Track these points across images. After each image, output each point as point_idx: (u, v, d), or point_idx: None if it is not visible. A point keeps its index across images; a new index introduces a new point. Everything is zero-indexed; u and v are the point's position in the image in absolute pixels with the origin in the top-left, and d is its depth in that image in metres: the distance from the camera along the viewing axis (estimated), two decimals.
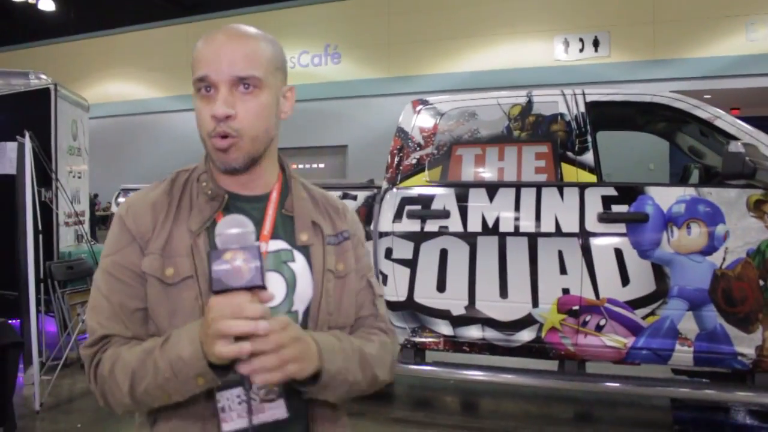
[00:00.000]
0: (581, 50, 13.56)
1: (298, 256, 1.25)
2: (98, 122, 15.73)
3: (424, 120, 4.36)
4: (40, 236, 5.41)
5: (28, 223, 4.82)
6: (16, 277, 5.21)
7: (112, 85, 18.19)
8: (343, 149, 15.57)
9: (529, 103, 4.15)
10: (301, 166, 15.65)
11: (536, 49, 13.70)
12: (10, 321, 4.33)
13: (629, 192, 3.78)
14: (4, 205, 5.53)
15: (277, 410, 1.17)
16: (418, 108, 4.42)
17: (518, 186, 3.98)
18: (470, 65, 14.04)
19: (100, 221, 14.54)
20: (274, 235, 1.25)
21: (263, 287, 1.01)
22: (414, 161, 4.27)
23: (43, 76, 6.33)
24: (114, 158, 16.41)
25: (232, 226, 1.06)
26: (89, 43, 17.98)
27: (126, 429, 4.33)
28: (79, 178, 7.17)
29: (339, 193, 4.17)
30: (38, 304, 5.18)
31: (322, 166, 15.89)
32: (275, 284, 1.20)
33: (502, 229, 3.95)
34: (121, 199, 5.10)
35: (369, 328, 1.32)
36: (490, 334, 3.98)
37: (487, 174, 4.16)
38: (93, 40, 17.94)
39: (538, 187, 3.93)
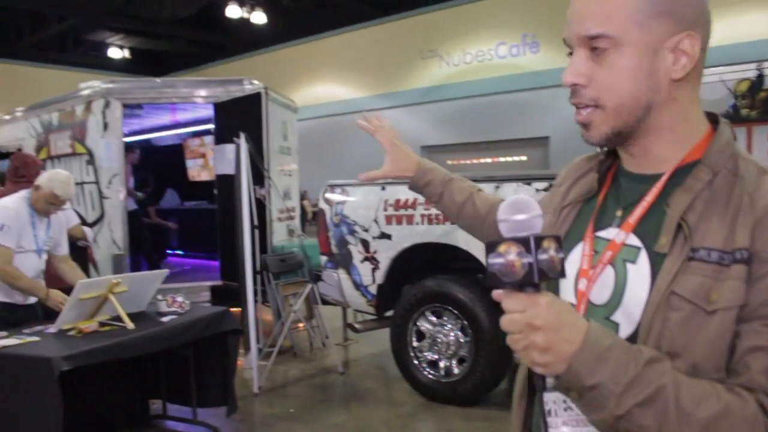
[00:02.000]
0: None
1: (643, 260, 0.98)
2: (307, 123, 16.70)
3: None
4: (256, 231, 5.79)
5: (245, 219, 5.18)
6: (237, 269, 5.63)
7: (319, 87, 19.19)
8: (544, 141, 15.12)
9: (760, 77, 3.68)
10: (502, 159, 15.43)
11: (761, 20, 12.30)
12: (233, 310, 4.69)
13: None
14: (228, 203, 6.00)
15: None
16: None
17: None
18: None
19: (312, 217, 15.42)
20: (638, 229, 1.00)
21: (535, 285, 0.87)
22: None
23: (256, 82, 6.76)
24: (322, 156, 17.32)
25: (516, 212, 0.89)
26: (297, 50, 19.13)
27: (335, 416, 4.50)
28: (290, 176, 7.61)
29: None
30: (255, 294, 5.56)
31: (524, 158, 15.54)
32: (602, 281, 1.02)
33: None
34: (328, 195, 5.30)
35: (745, 390, 0.87)
36: None
37: None
38: (300, 47, 19.06)
39: None
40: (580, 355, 0.85)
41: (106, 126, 6.53)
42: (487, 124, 15.24)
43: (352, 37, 18.28)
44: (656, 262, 0.96)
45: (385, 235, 4.86)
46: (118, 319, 3.65)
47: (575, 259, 1.09)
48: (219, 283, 6.60)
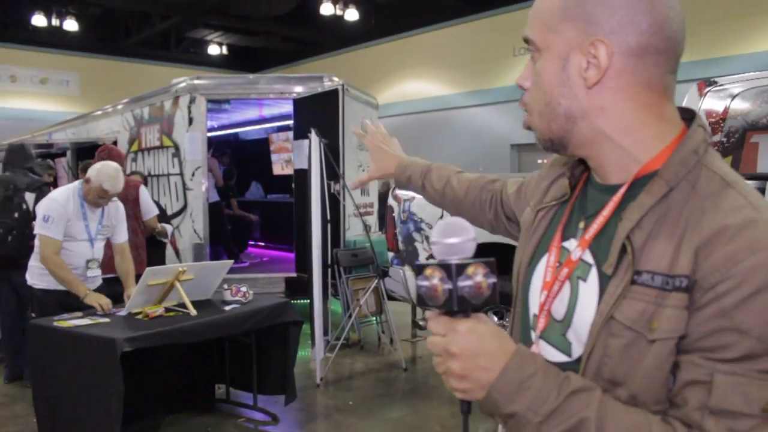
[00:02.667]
0: None
1: (593, 279, 0.93)
2: (397, 119, 16.81)
3: (711, 103, 3.84)
4: (329, 225, 5.90)
5: (314, 213, 5.29)
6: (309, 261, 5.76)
7: (409, 83, 19.25)
8: None
9: None
10: None
11: None
12: (304, 300, 4.79)
13: None
14: (303, 197, 6.14)
15: None
16: (705, 90, 3.91)
17: None
18: None
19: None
20: (594, 244, 0.95)
21: (456, 313, 0.86)
22: None
23: (335, 79, 6.88)
24: (410, 153, 17.19)
25: (448, 234, 0.88)
26: (387, 47, 19.25)
27: (392, 411, 4.53)
28: None
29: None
30: (326, 287, 5.67)
31: None
32: (561, 295, 0.98)
33: None
34: (397, 192, 5.34)
35: (681, 424, 0.82)
36: None
37: None
38: (391, 44, 19.17)
39: None
40: (498, 383, 0.84)
41: (191, 120, 6.82)
42: None
43: (443, 34, 18.22)
44: (604, 282, 0.90)
45: None
46: (184, 305, 3.82)
47: (543, 268, 1.05)
48: (293, 274, 6.77)
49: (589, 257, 0.95)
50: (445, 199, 1.53)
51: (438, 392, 4.88)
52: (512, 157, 15.00)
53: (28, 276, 4.08)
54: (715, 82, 3.90)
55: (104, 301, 3.85)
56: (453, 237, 0.88)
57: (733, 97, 3.76)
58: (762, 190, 3.46)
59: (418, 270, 0.87)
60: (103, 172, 3.92)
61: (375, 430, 4.21)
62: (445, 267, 0.84)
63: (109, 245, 4.21)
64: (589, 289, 0.92)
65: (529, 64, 1.00)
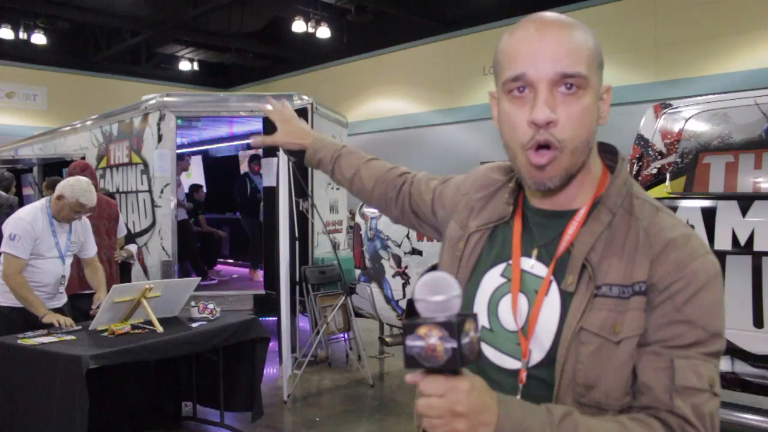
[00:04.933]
0: None
1: (554, 294, 1.04)
2: (367, 137, 16.92)
3: (666, 125, 3.98)
4: (297, 243, 5.94)
5: (282, 231, 5.33)
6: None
7: (380, 101, 19.38)
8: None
9: None
10: None
11: None
12: (272, 318, 4.81)
13: None
14: (272, 214, 6.18)
15: None
16: (661, 113, 4.06)
17: None
18: (748, 63, 12.53)
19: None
20: (558, 262, 1.05)
21: (457, 373, 0.85)
22: (654, 171, 3.92)
23: (305, 97, 6.95)
24: None
25: (435, 292, 0.85)
26: (359, 65, 19.39)
27: (359, 427, 4.57)
28: (337, 189, 7.76)
29: None
30: (294, 304, 5.70)
31: None
32: (518, 307, 1.07)
33: (757, 247, 3.44)
34: (364, 209, 5.41)
35: (650, 417, 0.95)
36: (741, 368, 3.49)
37: (741, 185, 3.67)
38: (362, 62, 19.31)
39: None
40: None
41: (160, 137, 6.83)
42: None
43: (414, 53, 18.42)
44: (565, 298, 1.03)
45: (416, 251, 4.93)
46: (151, 323, 3.83)
47: (490, 283, 1.14)
48: (262, 292, 6.78)
49: (543, 273, 1.06)
50: (353, 188, 1.56)
51: (405, 408, 4.93)
52: None
53: None
54: (670, 105, 4.05)
55: (62, 320, 3.80)
56: (439, 294, 0.85)
57: (687, 119, 3.91)
58: (713, 210, 3.61)
59: (408, 329, 0.83)
60: (78, 187, 3.89)
61: None
62: (446, 325, 0.81)
63: (75, 263, 4.20)
64: (551, 302, 1.04)
65: (550, 99, 0.99)
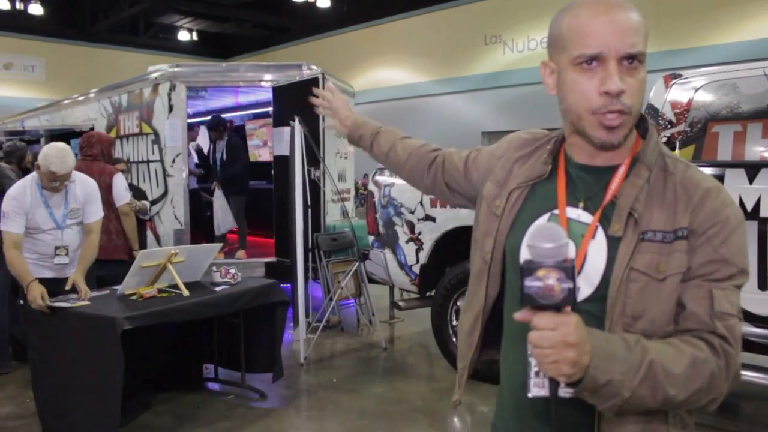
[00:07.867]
0: None
1: (600, 238, 1.19)
2: (369, 106, 16.95)
3: (676, 95, 4.08)
4: (309, 210, 6.05)
5: (297, 199, 5.44)
6: (290, 246, 5.91)
7: (381, 71, 19.36)
8: None
9: None
10: None
11: None
12: (284, 285, 4.96)
13: None
14: (283, 183, 6.28)
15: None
16: (670, 83, 4.15)
17: None
18: (752, 33, 12.57)
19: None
20: (604, 211, 1.20)
21: (562, 308, 1.01)
22: (664, 140, 4.03)
23: (314, 67, 7.01)
24: None
25: (547, 240, 1.00)
26: (359, 34, 19.35)
27: (374, 387, 4.73)
28: (345, 158, 7.86)
29: None
30: (306, 271, 5.83)
31: None
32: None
33: (764, 213, 3.57)
34: (377, 177, 5.52)
35: (695, 338, 1.13)
36: (746, 329, 3.64)
37: (748, 153, 3.79)
38: (363, 31, 19.27)
39: None
40: (594, 361, 1.04)
41: (171, 108, 6.90)
42: (550, 111, 15.07)
43: (415, 22, 18.36)
44: (612, 242, 1.18)
45: (429, 218, 5.05)
46: (176, 287, 3.96)
47: None
48: (273, 259, 6.91)
49: (588, 220, 1.22)
50: (388, 160, 1.72)
51: (415, 370, 5.10)
52: (483, 144, 15.23)
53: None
54: (680, 75, 4.14)
55: (39, 292, 3.58)
56: (551, 242, 1.00)
57: (697, 89, 4.01)
58: (721, 177, 3.73)
59: (528, 271, 0.99)
60: (49, 154, 3.80)
61: (359, 404, 4.41)
62: (564, 269, 0.97)
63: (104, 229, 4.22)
64: (598, 246, 1.19)
65: (621, 72, 1.14)
